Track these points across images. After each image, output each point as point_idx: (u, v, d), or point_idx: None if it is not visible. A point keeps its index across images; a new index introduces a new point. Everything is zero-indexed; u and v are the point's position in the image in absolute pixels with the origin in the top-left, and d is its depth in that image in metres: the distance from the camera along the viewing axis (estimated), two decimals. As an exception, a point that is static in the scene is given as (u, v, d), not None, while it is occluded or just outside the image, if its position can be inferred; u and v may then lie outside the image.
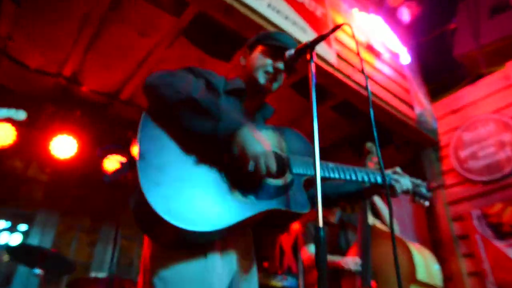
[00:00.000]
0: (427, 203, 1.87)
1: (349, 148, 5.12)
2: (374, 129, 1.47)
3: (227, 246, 1.37)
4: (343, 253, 2.94)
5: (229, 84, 1.59)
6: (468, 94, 4.65)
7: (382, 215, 3.12)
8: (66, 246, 5.46)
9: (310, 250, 3.15)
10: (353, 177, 1.65)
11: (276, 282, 4.36)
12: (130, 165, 1.27)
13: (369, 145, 2.90)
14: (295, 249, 5.84)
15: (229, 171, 1.33)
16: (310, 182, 1.54)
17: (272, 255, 6.13)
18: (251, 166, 1.25)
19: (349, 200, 1.89)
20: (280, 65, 1.61)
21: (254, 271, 1.51)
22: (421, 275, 2.59)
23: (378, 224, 2.93)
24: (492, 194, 4.03)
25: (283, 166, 1.48)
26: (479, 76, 4.71)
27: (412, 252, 2.65)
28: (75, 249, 5.45)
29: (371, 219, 2.90)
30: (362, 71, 1.51)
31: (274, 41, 1.64)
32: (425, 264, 2.69)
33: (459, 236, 4.21)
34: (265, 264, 5.60)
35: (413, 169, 4.82)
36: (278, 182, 1.41)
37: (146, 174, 1.18)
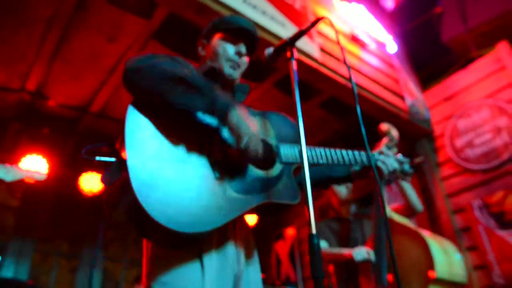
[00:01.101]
0: (409, 180, 1.93)
1: (340, 145, 5.16)
2: (361, 123, 1.48)
3: (224, 240, 1.40)
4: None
5: (199, 70, 1.61)
6: (459, 79, 4.75)
7: (405, 194, 2.97)
8: (44, 275, 5.36)
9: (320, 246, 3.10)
10: (341, 161, 1.70)
11: (275, 293, 4.36)
12: (120, 165, 1.27)
13: (385, 127, 2.85)
14: (292, 257, 5.87)
15: (220, 163, 1.37)
16: (299, 169, 1.58)
17: (268, 265, 6.13)
18: (243, 142, 1.30)
19: (337, 183, 1.95)
20: (242, 48, 1.63)
21: (256, 257, 1.57)
22: (441, 272, 2.46)
23: (395, 216, 2.83)
24: (492, 183, 4.12)
25: (272, 155, 1.52)
26: (470, 60, 4.81)
27: (430, 246, 2.53)
28: (56, 277, 5.36)
29: (387, 210, 2.85)
30: (344, 62, 1.52)
31: (232, 25, 1.65)
32: (445, 258, 2.57)
33: (462, 229, 4.29)
34: (262, 276, 5.59)
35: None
36: (268, 174, 1.46)
37: (137, 175, 1.20)
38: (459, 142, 4.49)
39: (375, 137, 5.13)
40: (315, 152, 1.65)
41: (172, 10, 3.30)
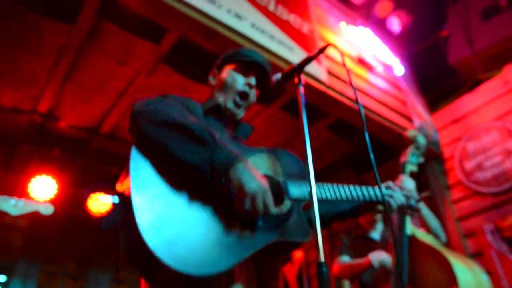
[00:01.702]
0: (416, 215, 1.87)
1: (348, 167, 5.13)
2: (369, 144, 1.46)
3: (231, 283, 1.36)
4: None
5: (205, 105, 1.61)
6: (468, 102, 4.73)
7: (428, 225, 2.88)
8: (50, 295, 5.34)
9: (340, 260, 3.00)
10: (349, 198, 1.65)
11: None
12: (125, 205, 1.22)
13: (411, 134, 2.69)
14: (300, 280, 5.76)
15: (225, 206, 1.31)
16: (308, 206, 1.53)
17: (275, 287, 6.02)
18: (247, 204, 1.24)
19: (344, 219, 1.88)
20: (252, 80, 1.64)
21: None
22: None
23: (419, 234, 2.67)
24: (504, 206, 4.04)
25: (280, 193, 1.47)
26: (477, 83, 4.80)
27: (456, 270, 2.41)
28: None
29: (409, 228, 2.76)
30: (351, 84, 1.51)
31: (244, 57, 1.67)
32: (472, 277, 2.47)
33: (473, 254, 4.19)
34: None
35: (418, 184, 4.83)
36: (277, 211, 1.40)
37: (143, 215, 1.15)
38: (469, 165, 4.44)
39: (384, 159, 5.09)
40: (323, 188, 1.61)
41: (182, 34, 3.36)
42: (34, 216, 5.10)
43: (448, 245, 4.38)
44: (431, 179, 4.77)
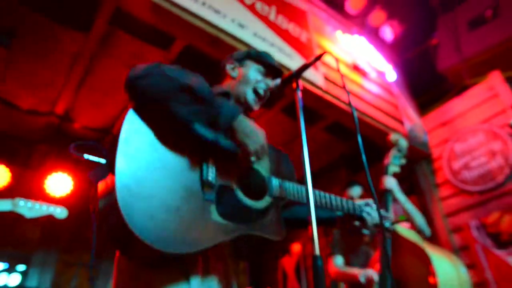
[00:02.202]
0: (389, 237, 1.82)
1: (344, 166, 5.12)
2: (361, 145, 1.46)
3: (208, 270, 1.31)
4: None
5: (216, 89, 1.62)
6: (455, 106, 4.72)
7: (413, 220, 2.86)
8: (65, 284, 5.34)
9: (336, 262, 2.99)
10: (329, 205, 1.62)
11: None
12: (110, 167, 1.12)
13: (393, 137, 2.72)
14: (298, 272, 5.76)
15: (210, 183, 1.28)
16: (287, 205, 1.55)
17: (274, 280, 6.02)
18: (253, 147, 1.31)
19: (319, 225, 1.85)
20: (269, 82, 1.66)
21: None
22: (446, 284, 2.39)
23: (402, 230, 2.70)
24: (488, 204, 4.03)
25: (263, 188, 1.47)
26: (464, 88, 4.79)
27: (434, 264, 2.43)
28: (76, 286, 5.33)
29: (395, 225, 2.75)
30: (344, 87, 1.52)
31: (267, 60, 1.71)
32: (450, 272, 2.49)
33: (460, 248, 4.18)
34: (269, 290, 5.49)
35: (409, 183, 4.83)
36: (257, 205, 1.39)
37: (123, 179, 1.08)
38: (456, 165, 4.43)
39: (377, 159, 5.09)
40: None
41: (188, 42, 3.37)
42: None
43: (436, 239, 4.38)
44: (420, 178, 4.76)
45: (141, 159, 1.15)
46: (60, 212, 2.59)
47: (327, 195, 1.65)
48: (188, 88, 1.24)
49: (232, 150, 1.39)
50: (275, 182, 1.50)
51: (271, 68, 1.70)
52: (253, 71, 1.67)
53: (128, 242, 1.09)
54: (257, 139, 1.32)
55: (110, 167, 1.12)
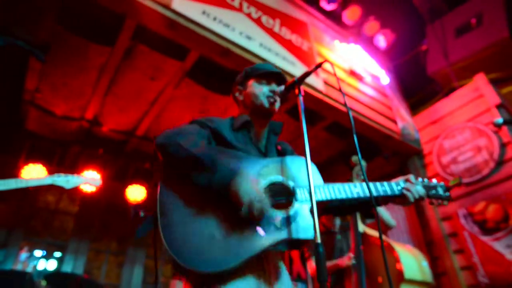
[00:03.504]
0: (446, 203, 1.62)
1: (342, 162, 5.10)
2: (357, 144, 1.45)
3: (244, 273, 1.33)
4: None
5: (236, 121, 1.61)
6: (444, 106, 4.67)
7: (380, 219, 3.03)
8: (96, 269, 5.43)
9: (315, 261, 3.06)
10: (355, 195, 1.51)
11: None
12: (154, 221, 1.34)
13: (354, 158, 2.90)
14: (303, 257, 5.77)
15: (234, 215, 1.32)
16: (319, 206, 1.49)
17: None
18: (244, 211, 1.26)
19: (359, 209, 1.73)
20: (275, 87, 1.64)
21: (284, 271, 1.48)
22: (409, 274, 2.54)
23: (368, 230, 2.83)
24: (475, 194, 3.99)
25: (289, 195, 1.44)
26: (452, 90, 4.74)
27: (399, 254, 2.60)
28: (105, 271, 5.41)
29: (361, 227, 2.82)
30: (340, 90, 1.51)
31: (262, 71, 1.68)
32: (413, 263, 2.64)
33: (449, 234, 4.15)
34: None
35: (399, 175, 4.79)
36: (284, 213, 1.38)
37: (166, 231, 1.28)
38: (445, 159, 4.38)
39: (372, 155, 5.04)
40: (333, 188, 1.50)
41: (201, 53, 3.38)
42: (83, 204, 5.21)
43: (428, 227, 4.35)
44: (412, 172, 4.72)
45: (175, 215, 1.34)
46: (94, 180, 2.62)
47: (346, 185, 1.54)
48: (194, 159, 1.34)
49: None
50: (299, 189, 1.45)
51: (270, 75, 1.66)
52: (256, 87, 1.65)
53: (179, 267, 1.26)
54: (247, 197, 1.27)
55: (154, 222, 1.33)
